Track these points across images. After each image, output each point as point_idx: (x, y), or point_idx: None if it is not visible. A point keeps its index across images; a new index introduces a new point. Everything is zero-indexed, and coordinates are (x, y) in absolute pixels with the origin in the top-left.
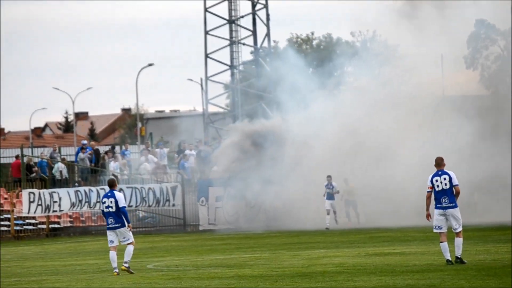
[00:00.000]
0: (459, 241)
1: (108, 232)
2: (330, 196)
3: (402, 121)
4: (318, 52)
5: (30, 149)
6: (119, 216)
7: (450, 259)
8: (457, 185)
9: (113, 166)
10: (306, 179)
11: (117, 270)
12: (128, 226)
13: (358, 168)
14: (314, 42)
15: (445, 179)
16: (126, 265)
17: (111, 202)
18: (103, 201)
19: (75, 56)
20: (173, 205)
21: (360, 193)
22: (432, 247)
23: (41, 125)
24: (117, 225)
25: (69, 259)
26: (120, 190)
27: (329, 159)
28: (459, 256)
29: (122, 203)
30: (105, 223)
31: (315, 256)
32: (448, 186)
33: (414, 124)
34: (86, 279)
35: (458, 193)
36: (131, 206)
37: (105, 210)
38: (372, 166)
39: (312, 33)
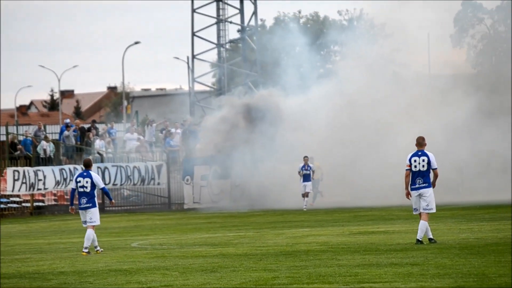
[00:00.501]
0: (423, 224)
1: (81, 212)
2: (307, 178)
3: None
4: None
5: (15, 127)
6: (92, 196)
7: (419, 239)
8: (435, 168)
9: (98, 144)
10: (296, 159)
11: (98, 248)
12: (111, 203)
13: (352, 146)
14: (301, 21)
15: (423, 160)
16: (86, 250)
17: (86, 182)
18: (78, 180)
19: (61, 34)
20: (158, 183)
21: (347, 172)
22: (416, 225)
23: (27, 103)
24: (88, 205)
25: (53, 237)
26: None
27: (323, 139)
28: (420, 239)
29: (101, 184)
30: None
31: (299, 235)
32: (425, 168)
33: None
34: (70, 257)
35: (436, 176)
36: (116, 184)
37: (79, 189)
38: (368, 146)
39: (299, 12)
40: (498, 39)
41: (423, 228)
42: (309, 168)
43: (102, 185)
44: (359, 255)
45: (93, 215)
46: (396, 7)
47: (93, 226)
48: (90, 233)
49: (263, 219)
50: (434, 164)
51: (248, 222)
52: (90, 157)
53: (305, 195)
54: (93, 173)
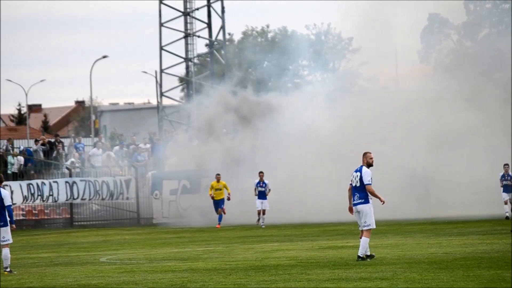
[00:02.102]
0: (363, 240)
1: None
2: (262, 195)
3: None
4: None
5: None
6: (2, 214)
7: (360, 255)
8: (368, 184)
9: (72, 158)
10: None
11: (8, 270)
12: (12, 226)
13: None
14: (269, 35)
15: (357, 176)
16: (8, 269)
17: None
18: None
19: (29, 48)
20: (127, 198)
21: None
22: (385, 240)
23: None
24: (0, 223)
25: (22, 252)
26: (5, 186)
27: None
28: (361, 255)
29: (8, 201)
30: (58, 216)
31: (268, 249)
32: (359, 184)
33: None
34: (38, 272)
35: (369, 192)
36: (85, 199)
37: None
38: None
39: (268, 26)
40: (465, 54)
41: (364, 245)
42: (264, 185)
43: (8, 202)
44: (329, 270)
45: (5, 234)
46: (363, 22)
47: (7, 244)
48: (7, 252)
49: (232, 233)
50: (365, 180)
51: (217, 237)
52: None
53: (262, 212)
54: (3, 190)
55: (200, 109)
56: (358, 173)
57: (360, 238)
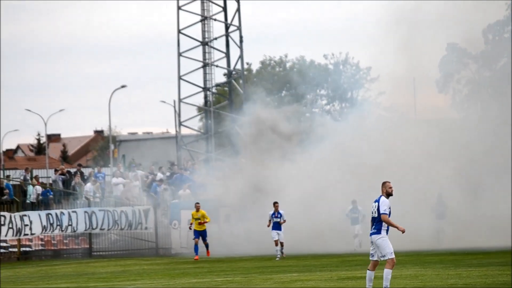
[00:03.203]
0: (386, 272)
1: None
2: (277, 226)
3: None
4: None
5: (1, 171)
6: None
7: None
8: (383, 213)
9: (89, 187)
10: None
11: None
12: None
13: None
14: (288, 65)
15: (374, 206)
16: None
17: None
18: None
19: (48, 77)
20: (146, 228)
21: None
22: (404, 271)
23: (13, 147)
24: None
25: (41, 282)
26: None
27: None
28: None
29: None
30: (77, 246)
31: (287, 280)
32: (376, 215)
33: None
34: None
35: (385, 221)
36: (103, 229)
37: None
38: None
39: (286, 55)
40: (484, 84)
41: (387, 277)
42: (279, 215)
43: None
44: None
45: None
46: (381, 51)
47: None
48: None
49: (251, 264)
50: (381, 209)
51: (236, 267)
52: None
53: (280, 243)
54: None
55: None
56: (376, 203)
57: (368, 269)
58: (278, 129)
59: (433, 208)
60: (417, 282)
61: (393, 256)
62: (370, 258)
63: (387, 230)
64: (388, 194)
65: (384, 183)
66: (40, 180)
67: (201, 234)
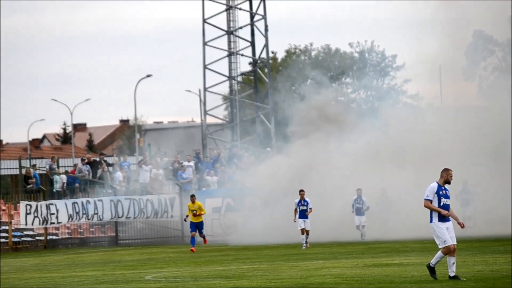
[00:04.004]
0: (447, 259)
1: None
2: (303, 214)
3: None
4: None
5: (28, 161)
6: None
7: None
8: (425, 199)
9: (119, 175)
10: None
11: None
12: None
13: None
14: (313, 53)
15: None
16: None
17: None
18: None
19: (74, 67)
20: (171, 216)
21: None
22: (431, 258)
23: (39, 136)
24: None
25: (67, 271)
26: None
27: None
28: (451, 275)
29: None
30: (103, 235)
31: (313, 267)
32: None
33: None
34: None
35: (426, 207)
36: (129, 217)
37: None
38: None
39: (311, 44)
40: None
41: (437, 256)
42: (306, 203)
43: None
44: (374, 287)
45: None
46: (406, 39)
47: None
48: None
49: (277, 251)
50: (425, 194)
51: (262, 255)
52: None
53: (306, 232)
54: None
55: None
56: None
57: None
58: (328, 113)
59: (457, 196)
60: (444, 269)
61: (446, 245)
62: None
63: (442, 217)
64: (446, 182)
65: (447, 170)
66: (66, 169)
67: (197, 226)
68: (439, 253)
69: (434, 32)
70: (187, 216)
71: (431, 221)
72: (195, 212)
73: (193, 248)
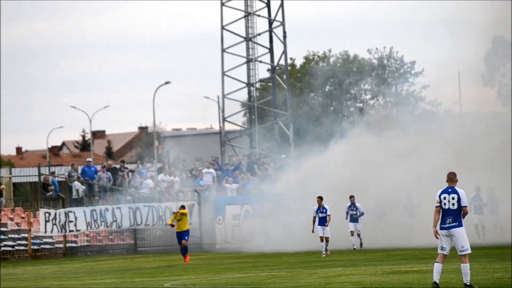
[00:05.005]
0: (465, 267)
1: None
2: (323, 221)
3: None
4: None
5: (47, 168)
6: None
7: (437, 281)
8: (465, 206)
9: (149, 183)
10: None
11: None
12: None
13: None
14: (331, 60)
15: (453, 198)
16: None
17: None
18: None
19: (93, 74)
20: (190, 223)
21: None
22: (450, 265)
23: (59, 143)
24: None
25: (86, 278)
26: None
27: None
28: (468, 284)
29: None
30: (122, 242)
31: (332, 275)
32: (456, 207)
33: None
34: None
35: (465, 214)
36: (148, 224)
37: None
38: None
39: (330, 51)
40: None
41: (466, 272)
42: (324, 210)
43: None
44: None
45: None
46: (425, 45)
47: None
48: None
49: (296, 258)
50: (464, 202)
51: (280, 262)
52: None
53: (325, 239)
54: None
55: None
56: (455, 195)
57: (436, 262)
58: None
59: (469, 202)
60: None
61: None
62: (442, 252)
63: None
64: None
65: (454, 174)
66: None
67: (183, 234)
68: (467, 265)
69: (452, 37)
70: (172, 224)
71: (461, 225)
72: (181, 220)
73: (185, 260)
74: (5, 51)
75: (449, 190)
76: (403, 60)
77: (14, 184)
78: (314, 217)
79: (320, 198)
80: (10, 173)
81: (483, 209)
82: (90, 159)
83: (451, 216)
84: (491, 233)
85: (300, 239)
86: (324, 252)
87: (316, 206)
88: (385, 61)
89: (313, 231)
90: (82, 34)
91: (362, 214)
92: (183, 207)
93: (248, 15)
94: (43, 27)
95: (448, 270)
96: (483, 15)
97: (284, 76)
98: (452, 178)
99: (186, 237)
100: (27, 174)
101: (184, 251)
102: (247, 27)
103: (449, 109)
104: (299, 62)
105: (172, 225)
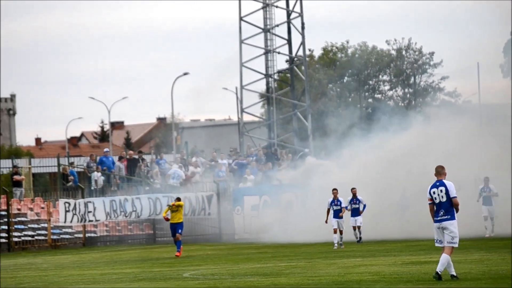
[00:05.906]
0: (444, 257)
1: None
2: (338, 214)
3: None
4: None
5: (66, 159)
6: None
7: (439, 272)
8: (454, 197)
9: (174, 171)
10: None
11: None
12: None
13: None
14: (350, 51)
15: (441, 191)
16: None
17: None
18: None
19: (111, 65)
20: (209, 214)
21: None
22: (469, 255)
23: (77, 134)
24: None
25: (106, 268)
26: None
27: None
28: (439, 272)
29: None
30: (141, 232)
31: (351, 265)
32: (445, 199)
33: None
34: None
35: (455, 204)
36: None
37: None
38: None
39: (347, 42)
40: None
41: (444, 262)
42: (339, 203)
43: None
44: (412, 285)
45: None
46: (444, 36)
47: None
48: None
49: (314, 249)
50: (453, 193)
51: (299, 252)
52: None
53: (339, 231)
54: None
55: None
56: (443, 188)
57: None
58: None
59: (478, 193)
60: (482, 266)
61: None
62: (439, 245)
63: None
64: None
65: (442, 167)
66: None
67: (177, 227)
68: (446, 256)
69: (472, 29)
70: (166, 216)
71: (453, 218)
72: (175, 211)
73: (178, 253)
74: (25, 44)
75: (437, 183)
76: (422, 51)
77: (34, 175)
78: (328, 209)
79: (336, 190)
80: (30, 163)
81: (492, 199)
82: (108, 149)
83: (443, 208)
84: (502, 224)
85: (316, 230)
86: (335, 245)
87: (331, 198)
88: (404, 52)
89: (326, 222)
90: (101, 27)
91: (364, 206)
92: (178, 199)
93: (266, 6)
94: (61, 20)
95: (468, 261)
96: (502, 6)
97: (303, 67)
98: (439, 171)
99: (180, 230)
100: (46, 165)
101: (178, 244)
102: (265, 18)
103: (469, 100)
104: (317, 53)
105: (167, 219)
